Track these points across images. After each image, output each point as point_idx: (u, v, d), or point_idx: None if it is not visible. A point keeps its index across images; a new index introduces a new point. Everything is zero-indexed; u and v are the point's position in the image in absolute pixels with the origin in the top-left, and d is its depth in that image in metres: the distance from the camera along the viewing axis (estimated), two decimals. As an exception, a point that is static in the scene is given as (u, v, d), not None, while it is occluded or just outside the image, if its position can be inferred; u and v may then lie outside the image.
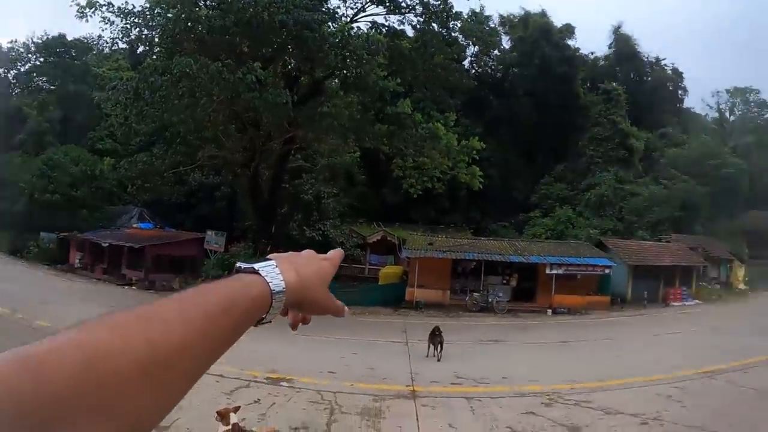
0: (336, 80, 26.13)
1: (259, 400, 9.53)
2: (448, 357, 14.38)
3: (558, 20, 55.33)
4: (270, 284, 0.88)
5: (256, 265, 0.91)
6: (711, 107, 78.77)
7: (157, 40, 23.56)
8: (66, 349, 0.58)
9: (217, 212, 37.53)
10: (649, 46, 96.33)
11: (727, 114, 77.04)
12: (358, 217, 41.39)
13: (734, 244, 46.38)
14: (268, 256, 0.97)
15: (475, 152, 29.85)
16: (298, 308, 1.00)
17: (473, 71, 50.64)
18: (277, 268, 0.91)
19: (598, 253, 32.12)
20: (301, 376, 11.03)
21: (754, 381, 12.73)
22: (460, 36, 30.48)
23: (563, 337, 20.15)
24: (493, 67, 55.63)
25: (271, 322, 0.92)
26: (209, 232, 32.02)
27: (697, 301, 33.27)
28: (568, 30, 53.70)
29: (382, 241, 35.62)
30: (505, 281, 30.01)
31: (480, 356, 15.71)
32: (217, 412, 6.45)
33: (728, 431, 9.02)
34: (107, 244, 32.42)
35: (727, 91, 79.82)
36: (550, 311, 27.55)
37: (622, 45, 60.62)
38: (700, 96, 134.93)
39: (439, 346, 14.31)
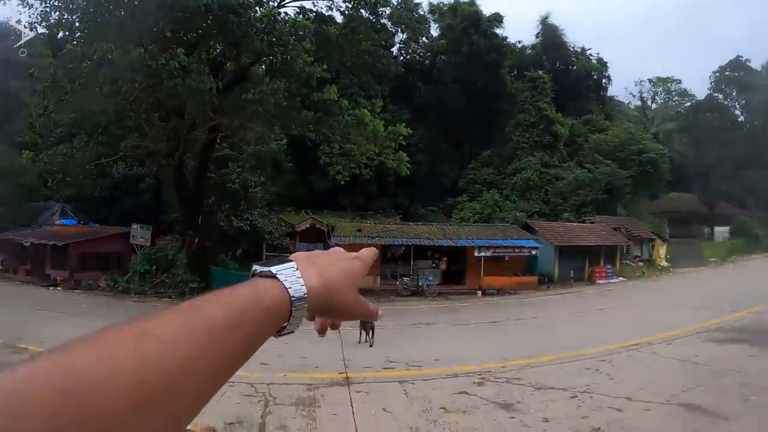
0: (262, 66, 25.67)
1: None
2: (381, 342, 14.46)
3: (487, 9, 56.13)
4: (289, 290, 0.79)
5: (274, 268, 0.81)
6: (634, 96, 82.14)
7: (77, 24, 22.53)
8: (44, 378, 0.50)
9: (143, 205, 36.32)
10: (575, 37, 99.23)
11: (650, 102, 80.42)
12: (286, 205, 40.97)
13: (656, 223, 48.72)
14: (289, 257, 0.87)
15: (402, 138, 29.90)
16: (326, 314, 0.92)
17: (401, 58, 50.71)
18: (297, 271, 0.82)
19: (525, 235, 32.94)
20: (234, 370, 10.87)
21: (677, 352, 13.33)
22: (389, 23, 30.45)
23: (493, 317, 20.56)
24: (421, 54, 55.83)
25: (293, 332, 0.84)
26: (135, 226, 30.96)
27: (621, 278, 34.81)
28: (497, 19, 54.27)
29: (311, 229, 35.40)
30: (434, 265, 30.39)
31: (412, 340, 15.85)
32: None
33: (654, 399, 9.37)
34: (29, 243, 30.91)
35: (650, 80, 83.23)
36: (479, 293, 28.06)
37: (549, 35, 62.10)
38: (623, 85, 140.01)
39: (370, 331, 14.36)
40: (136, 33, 20.81)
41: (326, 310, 0.88)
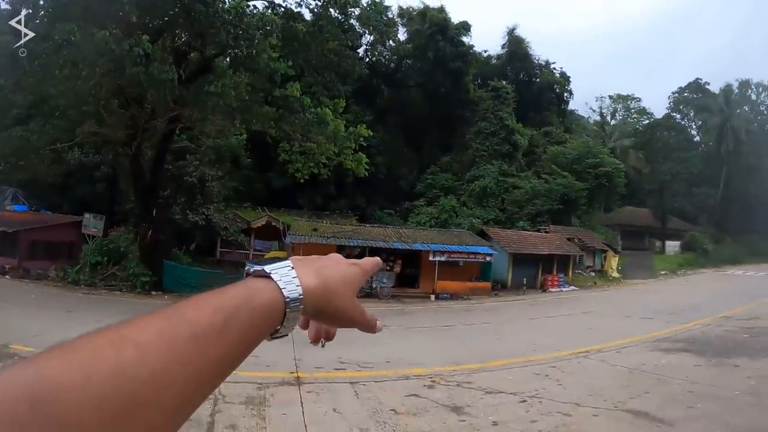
0: (226, 59, 25.36)
1: None
2: (333, 343, 14.15)
3: (456, 17, 56.40)
4: (283, 290, 0.73)
5: (267, 267, 0.76)
6: (594, 111, 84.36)
7: (42, 2, 21.89)
8: (14, 385, 0.47)
9: (97, 194, 35.49)
10: (540, 50, 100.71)
11: (609, 118, 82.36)
12: (243, 201, 40.66)
13: (609, 235, 49.82)
14: (288, 258, 0.81)
15: (362, 139, 29.83)
16: (322, 319, 0.87)
17: (367, 60, 50.68)
18: (293, 270, 0.77)
19: (480, 241, 33.25)
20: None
21: (625, 360, 13.59)
22: (357, 24, 30.38)
23: (446, 321, 20.69)
24: (387, 57, 55.97)
25: (286, 335, 0.79)
26: (87, 216, 30.24)
27: (573, 287, 35.47)
28: (464, 27, 54.73)
29: (267, 227, 35.17)
30: (389, 268, 30.41)
31: (364, 341, 15.58)
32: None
33: (602, 405, 9.53)
34: (-23, 230, 29.81)
35: (610, 96, 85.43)
36: (433, 297, 28.24)
37: (515, 46, 63.12)
38: (584, 100, 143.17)
39: (324, 332, 14.29)
40: (101, 16, 20.32)
41: (323, 314, 0.83)
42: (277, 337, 0.79)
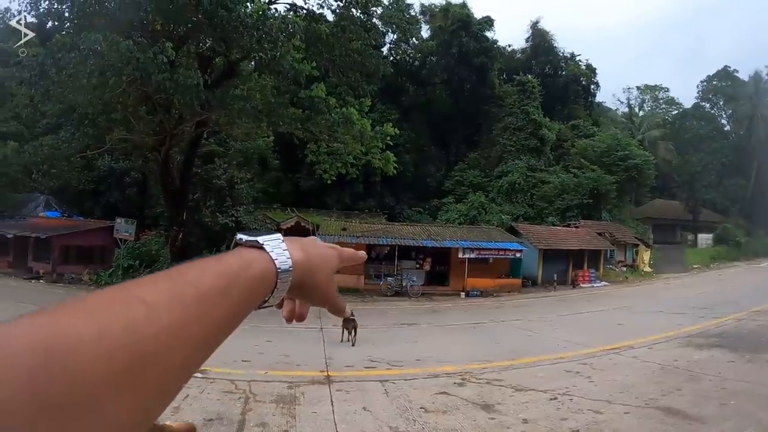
0: (251, 63, 25.58)
1: None
2: (363, 341, 14.45)
3: (478, 12, 56.33)
4: (275, 261, 0.76)
5: (260, 238, 0.79)
6: (622, 102, 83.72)
7: (67, 14, 22.27)
8: (30, 334, 0.47)
9: (128, 199, 36.13)
10: (565, 42, 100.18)
11: (637, 109, 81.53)
12: (271, 202, 40.95)
13: (640, 229, 49.18)
14: (276, 231, 0.84)
15: (389, 138, 29.85)
16: (300, 294, 0.87)
17: (391, 58, 50.81)
18: (284, 243, 0.80)
19: (510, 237, 33.04)
20: (214, 367, 10.76)
21: (657, 356, 13.37)
22: (380, 23, 30.43)
23: (475, 319, 20.59)
24: (411, 54, 56.06)
25: (273, 305, 0.82)
26: (119, 220, 30.73)
27: (604, 282, 35.14)
28: (488, 22, 54.57)
29: (296, 227, 35.34)
30: (418, 266, 30.46)
31: (394, 340, 15.86)
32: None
33: (633, 403, 9.44)
34: (12, 235, 30.43)
35: (638, 87, 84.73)
36: (463, 294, 28.14)
37: (539, 39, 62.82)
38: (611, 91, 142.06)
39: (353, 330, 14.36)
40: (125, 24, 20.65)
41: (303, 287, 0.84)
42: (264, 307, 0.80)
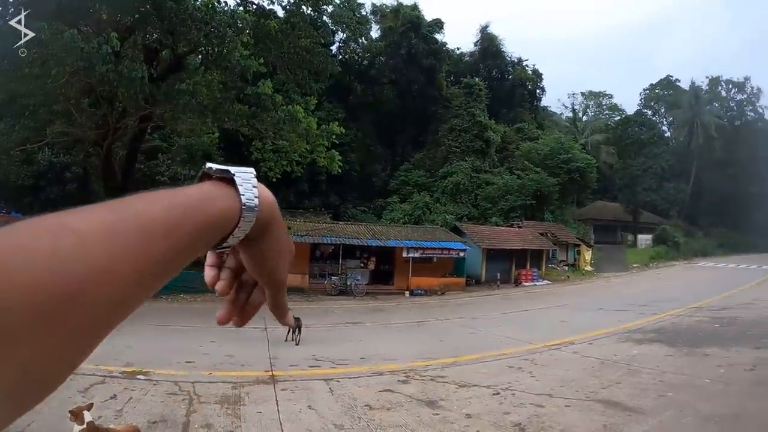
0: (198, 57, 25.18)
1: (115, 395, 9.07)
2: (307, 341, 14.40)
3: (429, 14, 56.73)
4: (243, 197, 0.67)
5: (232, 168, 0.70)
6: (566, 107, 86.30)
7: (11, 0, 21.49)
8: None
9: (68, 195, 34.93)
10: (512, 47, 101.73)
11: (581, 114, 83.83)
12: (216, 201, 40.36)
13: (581, 230, 50.48)
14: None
15: (335, 137, 29.75)
16: (255, 251, 0.74)
17: (340, 57, 50.76)
18: (254, 179, 0.71)
19: (454, 237, 33.37)
20: (158, 368, 10.61)
21: (597, 351, 13.85)
22: (330, 21, 30.34)
23: (420, 317, 20.75)
24: (360, 54, 56.12)
25: (231, 247, 0.72)
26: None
27: (546, 281, 35.92)
28: (438, 24, 55.09)
29: (241, 225, 34.92)
30: (363, 265, 30.46)
31: (339, 339, 15.85)
32: (70, 412, 6.06)
33: (574, 396, 9.67)
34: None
35: (582, 93, 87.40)
36: (407, 293, 28.28)
37: (488, 44, 63.88)
38: (557, 96, 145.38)
39: (297, 330, 14.30)
40: (71, 13, 20.02)
41: (264, 237, 0.73)
42: (221, 248, 0.71)
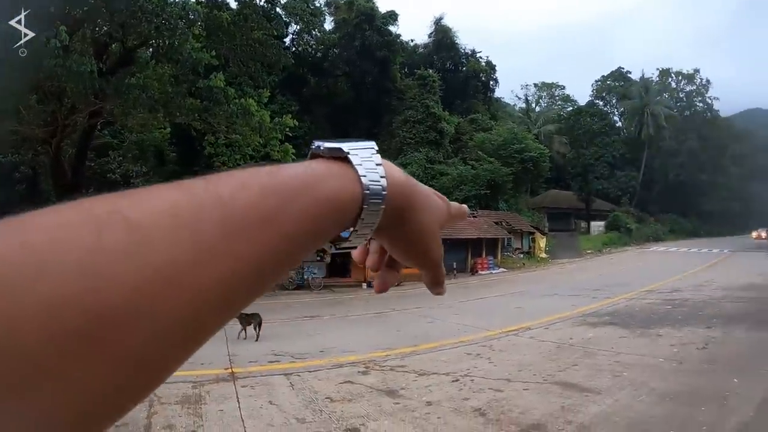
0: (149, 50, 24.70)
1: None
2: (266, 336, 14.35)
3: (383, 6, 56.70)
4: (363, 179, 0.52)
5: (346, 145, 0.54)
6: (519, 98, 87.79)
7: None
8: None
9: (17, 197, 34.08)
10: (466, 39, 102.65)
11: (534, 105, 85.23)
12: (168, 198, 39.69)
13: (536, 218, 51.45)
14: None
15: (288, 130, 29.56)
16: (393, 238, 0.61)
17: (293, 49, 50.47)
18: (378, 155, 0.55)
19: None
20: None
21: (553, 335, 14.13)
22: (283, 13, 30.04)
23: (378, 308, 20.81)
24: (313, 46, 55.85)
25: (356, 246, 0.59)
26: (5, 221, 28.98)
27: (502, 269, 36.47)
28: (392, 16, 55.04)
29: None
30: (319, 258, 30.30)
31: (297, 333, 15.79)
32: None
33: (532, 379, 9.85)
34: None
35: (536, 85, 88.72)
36: (364, 285, 28.21)
37: (442, 35, 64.46)
38: (510, 88, 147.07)
39: (258, 326, 14.20)
40: (17, 4, 19.40)
41: (402, 225, 0.58)
42: (341, 247, 0.57)
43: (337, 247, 0.56)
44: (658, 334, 13.86)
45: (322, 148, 0.55)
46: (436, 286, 0.72)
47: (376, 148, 0.56)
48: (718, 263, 36.78)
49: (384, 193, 0.52)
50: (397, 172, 0.57)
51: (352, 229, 0.53)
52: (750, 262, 36.07)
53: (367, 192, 0.51)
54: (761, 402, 8.22)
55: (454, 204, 0.73)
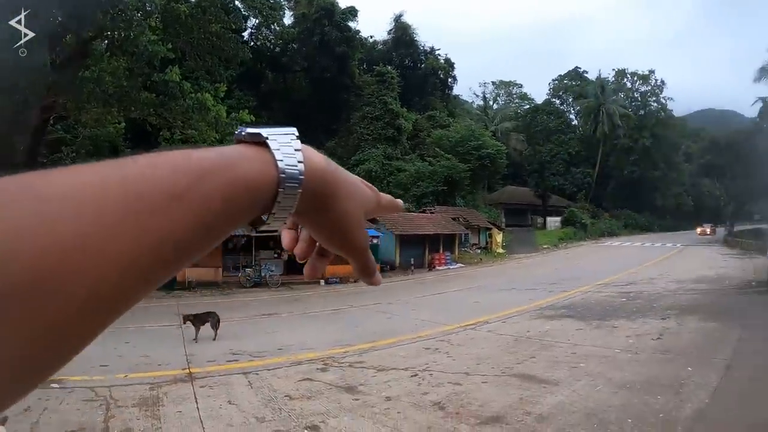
0: (104, 42, 24.14)
1: (29, 407, 8.63)
2: (224, 335, 14.16)
3: (343, 2, 56.53)
4: (279, 163, 0.52)
5: (266, 131, 0.55)
6: (477, 96, 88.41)
7: None
8: None
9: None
10: (426, 36, 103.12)
11: (491, 103, 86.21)
12: (122, 194, 39.02)
13: (493, 214, 51.98)
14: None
15: (245, 125, 29.20)
16: (314, 223, 0.61)
17: (252, 43, 50.07)
18: (297, 141, 0.55)
19: (367, 224, 33.25)
20: (71, 375, 10.15)
21: (511, 329, 14.36)
22: (242, 6, 29.67)
23: (336, 305, 20.78)
24: (272, 41, 55.62)
25: (276, 230, 0.60)
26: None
27: (460, 264, 36.75)
28: (351, 12, 55.16)
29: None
30: (276, 255, 30.11)
31: (255, 331, 15.65)
32: (-18, 429, 5.72)
33: (490, 372, 9.95)
34: None
35: (493, 83, 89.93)
36: (322, 282, 28.08)
37: (402, 32, 64.82)
38: (468, 85, 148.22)
39: (216, 324, 14.00)
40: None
41: (321, 212, 0.59)
42: (260, 229, 0.59)
43: (257, 230, 0.58)
44: (614, 325, 14.19)
45: (243, 133, 0.55)
46: (366, 275, 0.70)
47: (297, 133, 0.56)
48: (671, 257, 37.88)
49: (301, 177, 0.53)
50: (318, 158, 0.57)
51: (268, 213, 0.53)
52: (702, 256, 37.30)
53: (283, 176, 0.52)
54: (715, 389, 8.46)
55: (386, 196, 0.74)
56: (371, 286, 0.73)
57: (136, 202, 0.41)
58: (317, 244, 0.69)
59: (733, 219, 62.50)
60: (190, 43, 26.37)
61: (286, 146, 0.54)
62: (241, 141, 0.55)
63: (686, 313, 15.39)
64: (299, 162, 0.53)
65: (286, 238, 0.68)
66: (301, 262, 0.71)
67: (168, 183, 0.43)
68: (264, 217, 0.54)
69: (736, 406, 8.03)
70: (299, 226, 0.67)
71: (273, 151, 0.53)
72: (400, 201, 0.79)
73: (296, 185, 0.53)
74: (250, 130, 0.55)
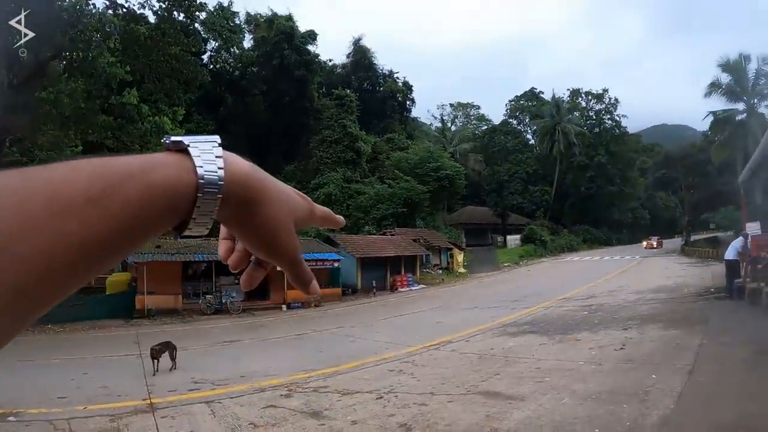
0: (63, 62, 23.75)
1: None
2: (185, 364, 13.86)
3: (303, 26, 56.83)
4: (200, 169, 0.54)
5: (187, 139, 0.57)
6: (435, 118, 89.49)
7: None
8: None
9: None
10: (384, 60, 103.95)
11: (449, 124, 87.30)
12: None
13: (453, 234, 52.50)
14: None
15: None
16: (240, 229, 0.62)
17: (211, 66, 49.84)
18: (219, 148, 0.57)
19: (328, 248, 33.42)
20: (29, 407, 9.85)
21: (474, 347, 14.30)
22: (202, 29, 29.52)
23: (298, 330, 20.57)
24: (231, 64, 55.58)
25: (201, 236, 0.58)
26: None
27: (422, 285, 36.96)
28: (311, 36, 55.45)
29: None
30: (237, 281, 29.48)
31: (217, 359, 15.39)
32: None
33: (455, 391, 9.92)
34: None
35: (451, 105, 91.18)
36: (284, 307, 27.94)
37: (360, 56, 65.51)
38: (426, 108, 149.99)
39: (173, 353, 13.67)
40: None
41: (245, 219, 0.60)
42: (186, 236, 0.58)
43: (182, 235, 0.57)
44: (577, 338, 14.30)
45: (168, 141, 0.57)
46: (300, 284, 0.71)
47: (219, 141, 0.58)
48: (629, 269, 38.59)
49: (221, 182, 0.54)
50: (242, 164, 0.59)
51: (190, 218, 0.54)
52: (659, 267, 38.02)
53: (202, 181, 0.53)
54: (680, 394, 8.56)
55: (322, 208, 0.76)
56: (309, 295, 0.74)
57: (55, 206, 0.43)
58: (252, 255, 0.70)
59: (689, 229, 63.98)
60: (149, 65, 26.19)
61: (207, 153, 0.55)
62: (167, 149, 0.56)
63: (647, 323, 15.58)
64: (219, 168, 0.55)
65: (222, 248, 0.70)
66: (234, 271, 0.73)
67: (84, 186, 0.45)
68: (187, 221, 0.55)
69: (700, 409, 8.14)
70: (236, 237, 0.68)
71: (193, 157, 0.54)
72: (340, 217, 0.81)
73: (216, 190, 0.54)
74: (174, 138, 0.57)
